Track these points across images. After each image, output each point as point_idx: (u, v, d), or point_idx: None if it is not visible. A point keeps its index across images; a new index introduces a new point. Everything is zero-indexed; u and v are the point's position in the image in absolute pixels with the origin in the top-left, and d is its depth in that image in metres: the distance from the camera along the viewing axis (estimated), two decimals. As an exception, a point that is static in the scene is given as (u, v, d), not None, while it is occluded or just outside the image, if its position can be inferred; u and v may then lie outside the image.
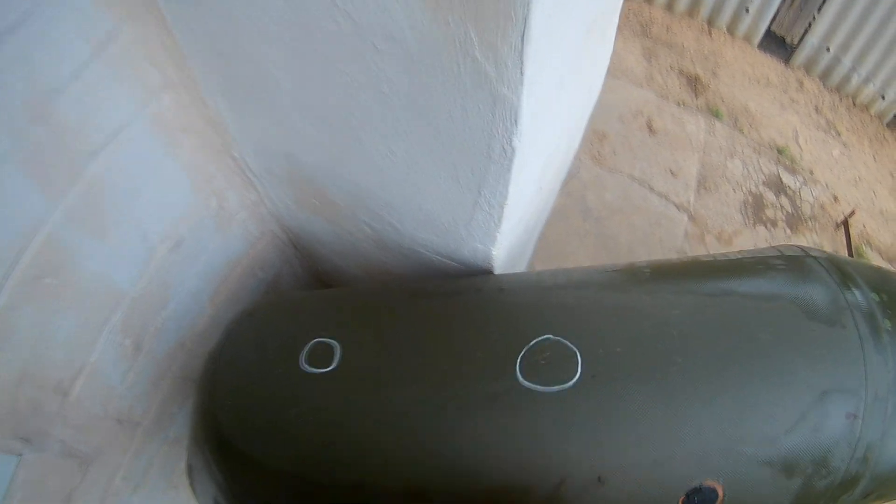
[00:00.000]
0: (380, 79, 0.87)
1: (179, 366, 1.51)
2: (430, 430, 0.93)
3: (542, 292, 1.09)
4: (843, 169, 3.74)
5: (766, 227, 3.29)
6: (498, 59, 0.72)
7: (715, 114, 3.75)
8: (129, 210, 1.17)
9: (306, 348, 1.03)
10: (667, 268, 1.08)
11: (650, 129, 3.56)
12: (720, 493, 0.83)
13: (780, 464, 0.82)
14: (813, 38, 3.97)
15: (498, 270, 1.27)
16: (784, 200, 3.44)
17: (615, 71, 3.70)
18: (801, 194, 3.50)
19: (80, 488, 1.29)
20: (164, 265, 1.32)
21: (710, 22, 4.29)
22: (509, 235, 1.18)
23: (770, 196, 3.43)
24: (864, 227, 3.46)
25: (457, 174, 0.99)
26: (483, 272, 1.27)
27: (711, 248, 3.11)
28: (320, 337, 1.05)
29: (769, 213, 3.36)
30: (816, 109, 4.02)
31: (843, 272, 0.93)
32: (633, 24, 4.20)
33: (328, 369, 1.00)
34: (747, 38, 4.23)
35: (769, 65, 4.17)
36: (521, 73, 0.73)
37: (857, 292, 0.90)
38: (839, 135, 3.92)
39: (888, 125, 4.05)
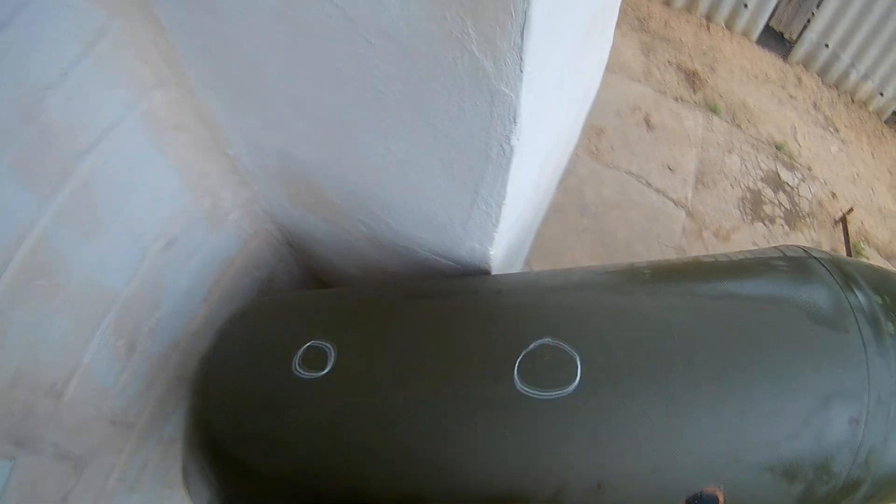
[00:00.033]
0: (373, 75, 0.85)
1: (174, 366, 1.50)
2: (426, 436, 0.91)
3: (541, 294, 1.07)
4: (842, 165, 3.73)
5: (764, 223, 3.28)
6: (496, 56, 0.70)
7: (713, 109, 3.73)
8: (121, 209, 1.16)
9: (300, 352, 1.02)
10: (668, 269, 1.06)
11: (648, 124, 3.54)
12: (721, 499, 0.82)
13: (781, 469, 0.81)
14: (812, 34, 3.96)
15: (495, 269, 1.26)
16: (782, 197, 3.43)
17: (612, 66, 3.68)
18: (800, 191, 3.49)
19: (75, 491, 1.28)
20: (157, 265, 1.31)
21: (709, 17, 4.27)
22: (507, 235, 1.17)
23: (768, 192, 3.42)
24: (863, 223, 3.45)
25: (453, 173, 0.98)
26: (480, 271, 1.26)
27: (709, 244, 3.10)
28: (314, 340, 1.03)
29: (767, 209, 3.35)
30: (815, 106, 4.01)
31: (846, 274, 0.92)
32: (631, 18, 4.18)
33: (322, 373, 0.99)
34: (746, 34, 4.21)
35: (768, 60, 4.15)
36: (521, 70, 0.71)
37: (859, 294, 0.89)
38: (837, 131, 3.91)
39: (886, 122, 4.04)
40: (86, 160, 1.03)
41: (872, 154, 3.88)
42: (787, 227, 3.29)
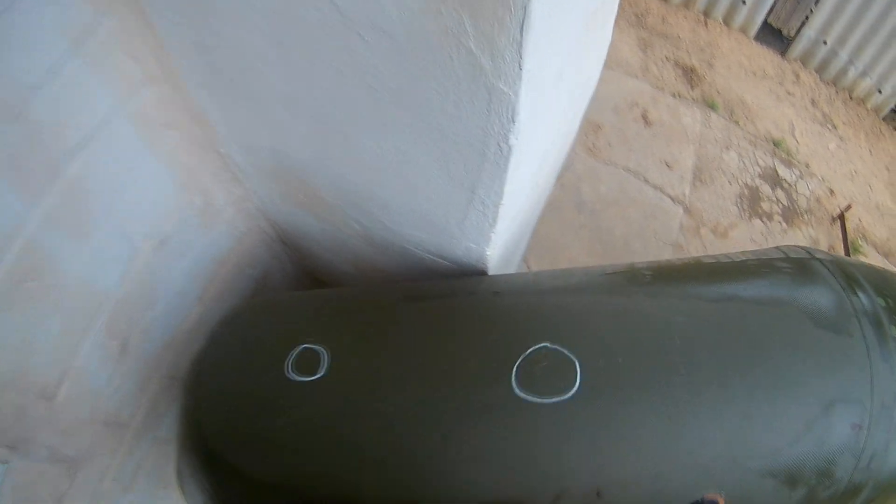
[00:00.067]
0: (367, 71, 0.83)
1: (168, 366, 1.49)
2: (420, 443, 0.90)
3: (540, 296, 1.06)
4: (840, 163, 3.72)
5: (761, 220, 3.27)
6: (494, 52, 0.68)
7: (711, 106, 3.72)
8: (112, 210, 1.15)
9: (292, 355, 1.00)
10: (668, 270, 1.04)
11: (645, 120, 3.53)
12: (722, 504, 0.81)
13: (783, 475, 0.80)
14: (810, 31, 3.94)
15: (492, 269, 1.24)
16: (780, 193, 3.42)
17: (610, 61, 3.65)
18: (797, 187, 3.48)
19: (70, 493, 1.27)
20: (149, 265, 1.30)
21: (706, 13, 4.25)
22: (504, 234, 1.15)
23: (766, 189, 3.41)
24: (860, 221, 3.45)
25: (449, 173, 0.96)
26: (476, 271, 1.24)
27: (707, 241, 3.09)
28: (307, 343, 1.02)
29: (765, 206, 3.34)
30: (813, 102, 4.00)
31: (849, 275, 0.91)
32: (629, 14, 4.15)
33: (315, 378, 0.97)
34: (743, 30, 4.20)
35: (765, 57, 4.14)
36: (520, 68, 0.69)
37: (862, 297, 0.88)
38: (835, 128, 3.90)
39: (885, 119, 4.04)
40: (75, 160, 1.02)
41: (870, 151, 3.88)
42: (784, 224, 3.29)
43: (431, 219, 1.13)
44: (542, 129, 1.00)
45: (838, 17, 3.75)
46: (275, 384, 0.99)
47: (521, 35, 0.64)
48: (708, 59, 4.00)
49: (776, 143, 3.65)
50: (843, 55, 3.91)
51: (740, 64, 4.04)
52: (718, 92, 3.82)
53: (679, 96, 3.72)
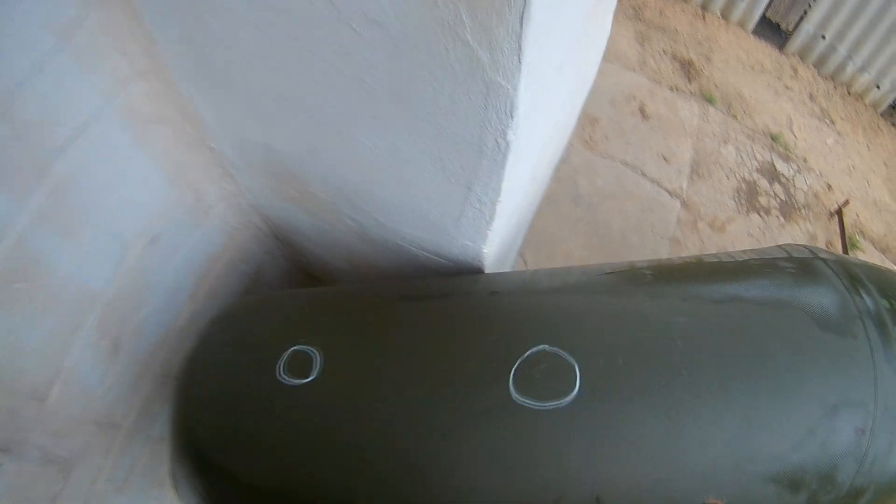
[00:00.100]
0: (359, 65, 0.81)
1: (160, 364, 1.47)
2: (416, 448, 0.88)
3: (538, 297, 1.04)
4: (838, 158, 3.72)
5: (759, 214, 3.26)
6: (492, 44, 0.66)
7: (708, 99, 3.70)
8: (101, 208, 1.13)
9: (284, 357, 0.98)
10: (669, 270, 1.02)
11: (643, 113, 3.51)
12: (723, 510, 0.80)
13: (785, 480, 0.79)
14: (808, 26, 3.93)
15: (488, 266, 1.23)
16: (778, 188, 3.41)
17: (607, 54, 3.63)
18: (795, 182, 3.48)
19: (63, 494, 1.27)
20: (141, 263, 1.28)
21: (704, 6, 4.24)
22: (501, 232, 1.14)
23: (764, 183, 3.40)
24: (858, 216, 3.45)
25: (445, 169, 0.94)
26: (473, 269, 1.22)
27: (704, 235, 3.08)
28: (299, 344, 0.99)
29: (763, 200, 3.33)
30: (811, 97, 3.99)
31: (853, 276, 0.89)
32: (626, 7, 4.13)
33: (307, 380, 0.95)
34: (742, 24, 4.18)
35: (764, 51, 4.12)
36: (519, 60, 0.66)
37: (867, 298, 0.86)
38: (833, 123, 3.90)
39: (882, 115, 4.03)
40: (63, 157, 1.00)
41: (868, 146, 3.87)
42: (782, 219, 3.28)
43: (427, 216, 1.11)
44: (541, 124, 0.97)
45: (837, 11, 3.74)
46: (266, 387, 0.97)
47: (521, 26, 0.62)
48: (706, 52, 3.98)
49: (774, 138, 3.64)
50: (842, 50, 3.90)
51: (738, 58, 4.02)
52: (716, 86, 3.81)
53: (676, 90, 3.70)
